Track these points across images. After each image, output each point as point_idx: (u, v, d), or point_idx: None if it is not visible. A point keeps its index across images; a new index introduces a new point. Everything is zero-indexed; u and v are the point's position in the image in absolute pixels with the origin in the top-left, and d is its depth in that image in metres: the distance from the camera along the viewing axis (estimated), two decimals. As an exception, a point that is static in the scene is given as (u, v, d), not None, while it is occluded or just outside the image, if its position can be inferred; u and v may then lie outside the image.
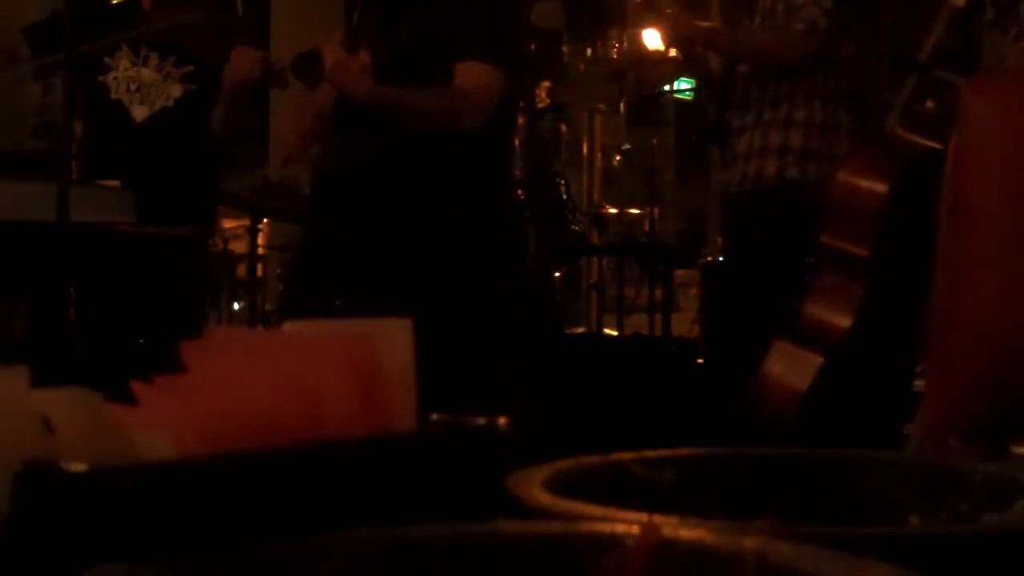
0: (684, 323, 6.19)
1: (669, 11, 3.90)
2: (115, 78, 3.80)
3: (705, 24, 4.04)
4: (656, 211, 6.89)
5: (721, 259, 5.05)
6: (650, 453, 0.93)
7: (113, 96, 3.80)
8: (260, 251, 6.34)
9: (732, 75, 3.82)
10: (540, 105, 6.49)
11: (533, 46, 5.92)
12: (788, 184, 3.57)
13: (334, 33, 3.30)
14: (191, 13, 3.48)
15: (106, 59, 3.80)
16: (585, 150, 7.58)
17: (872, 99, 3.64)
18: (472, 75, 3.10)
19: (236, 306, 7.93)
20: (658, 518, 0.70)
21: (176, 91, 3.81)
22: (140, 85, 3.80)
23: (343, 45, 3.11)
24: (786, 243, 3.40)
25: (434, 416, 0.82)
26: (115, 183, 3.47)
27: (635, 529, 0.67)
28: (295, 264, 4.26)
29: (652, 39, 6.98)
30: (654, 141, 7.05)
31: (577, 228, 6.57)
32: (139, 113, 3.80)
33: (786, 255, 3.38)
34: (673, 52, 6.47)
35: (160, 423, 0.71)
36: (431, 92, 3.10)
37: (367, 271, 3.11)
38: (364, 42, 3.14)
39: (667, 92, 7.44)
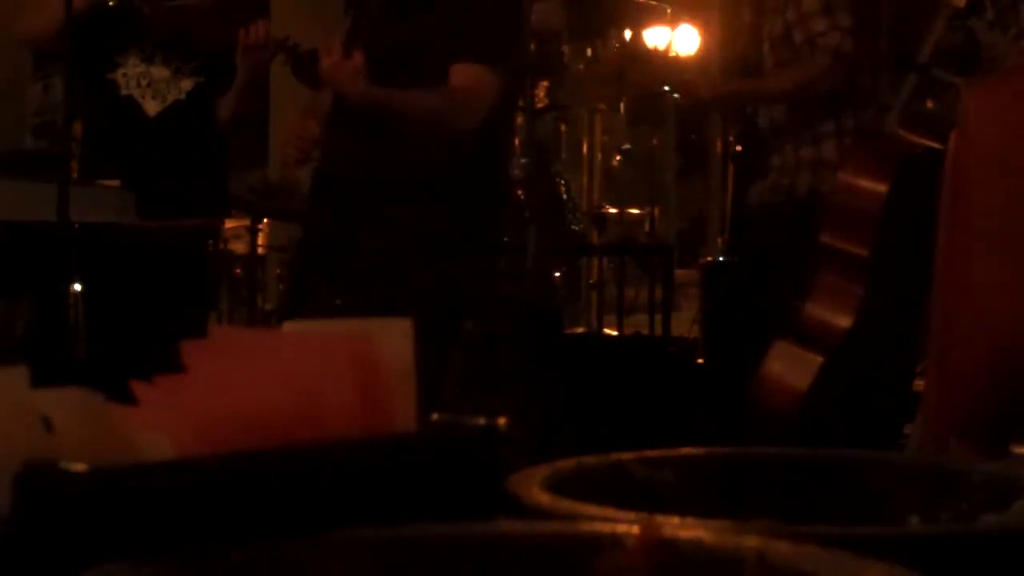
0: (684, 323, 6.18)
1: (693, 80, 3.96)
2: (124, 75, 3.81)
3: (729, 89, 4.10)
4: (656, 211, 6.88)
5: (721, 259, 5.05)
6: (650, 453, 0.93)
7: (123, 92, 3.80)
8: (260, 251, 6.33)
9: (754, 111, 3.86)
10: (540, 105, 6.49)
11: (533, 46, 5.92)
12: (821, 198, 3.54)
13: (335, 36, 3.30)
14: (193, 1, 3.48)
15: (114, 56, 3.81)
16: (585, 150, 7.58)
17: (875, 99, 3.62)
18: (467, 77, 3.08)
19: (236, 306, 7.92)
20: (658, 518, 0.70)
21: (188, 84, 3.82)
22: (151, 81, 3.81)
23: (341, 47, 3.11)
24: (803, 251, 3.37)
25: (434, 416, 0.81)
26: (115, 183, 3.47)
27: (635, 529, 0.67)
28: (295, 264, 4.26)
29: (652, 39, 6.98)
30: (654, 141, 7.05)
31: (577, 228, 6.57)
32: (151, 108, 3.81)
33: (795, 259, 3.36)
34: (673, 52, 6.48)
35: (160, 423, 0.71)
36: (425, 94, 3.08)
37: (367, 271, 3.10)
38: (359, 43, 3.13)
39: (667, 92, 7.44)
